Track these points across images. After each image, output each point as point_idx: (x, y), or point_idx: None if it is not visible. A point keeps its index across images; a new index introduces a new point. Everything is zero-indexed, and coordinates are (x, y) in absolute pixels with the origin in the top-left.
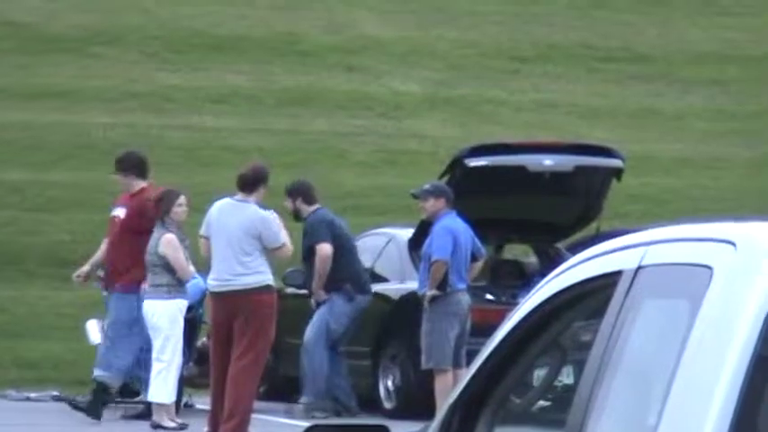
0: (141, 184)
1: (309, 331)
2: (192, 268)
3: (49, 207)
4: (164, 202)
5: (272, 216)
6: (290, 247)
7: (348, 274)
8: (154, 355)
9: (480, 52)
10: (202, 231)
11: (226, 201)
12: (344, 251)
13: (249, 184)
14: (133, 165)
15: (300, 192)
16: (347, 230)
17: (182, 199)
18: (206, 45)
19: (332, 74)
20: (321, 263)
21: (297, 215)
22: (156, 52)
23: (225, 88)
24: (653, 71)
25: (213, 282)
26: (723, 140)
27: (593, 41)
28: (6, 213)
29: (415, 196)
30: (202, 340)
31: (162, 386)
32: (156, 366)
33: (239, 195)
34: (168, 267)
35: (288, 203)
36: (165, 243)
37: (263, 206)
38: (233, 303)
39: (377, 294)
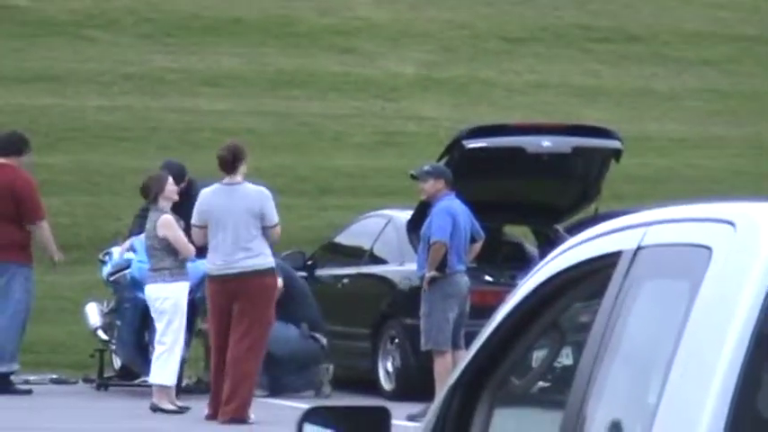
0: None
1: None
2: (192, 247)
3: (47, 190)
4: (154, 185)
5: (264, 192)
6: (278, 233)
7: None
8: (156, 337)
9: (473, 34)
10: (195, 221)
11: (216, 186)
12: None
13: (230, 163)
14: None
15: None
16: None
17: (171, 179)
18: (199, 28)
19: (326, 56)
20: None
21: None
22: (150, 34)
23: (219, 71)
24: (646, 51)
25: (215, 265)
26: (718, 120)
27: (586, 22)
28: None
29: (414, 177)
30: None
31: (163, 368)
32: (158, 349)
33: (226, 178)
34: (169, 249)
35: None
36: (164, 224)
37: (251, 182)
38: (235, 286)
39: (376, 276)
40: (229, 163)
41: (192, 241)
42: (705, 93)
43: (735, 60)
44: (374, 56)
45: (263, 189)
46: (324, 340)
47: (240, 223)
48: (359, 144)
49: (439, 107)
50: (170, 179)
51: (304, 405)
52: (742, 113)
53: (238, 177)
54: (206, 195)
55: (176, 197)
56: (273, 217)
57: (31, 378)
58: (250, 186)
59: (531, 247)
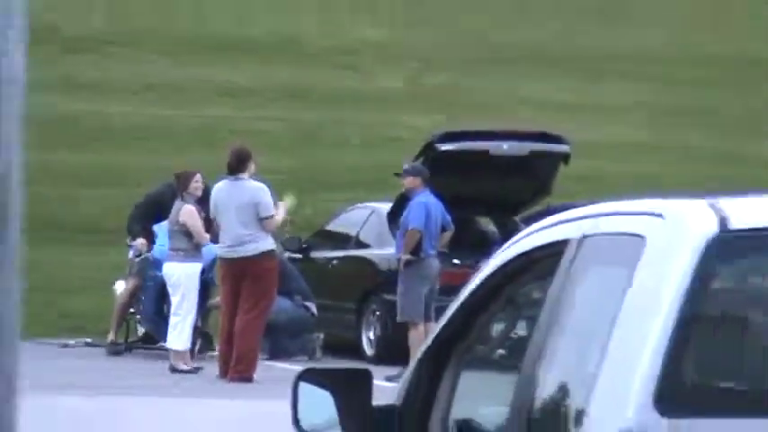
0: None
1: None
2: (206, 235)
3: (82, 184)
4: (181, 181)
5: (263, 188)
6: (277, 219)
7: None
8: (172, 309)
9: (455, 52)
10: (211, 214)
11: (223, 182)
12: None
13: (235, 165)
14: None
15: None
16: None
17: (197, 177)
18: (213, 46)
19: (325, 71)
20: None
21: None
22: (170, 51)
23: (230, 83)
24: (612, 69)
25: (223, 249)
26: (662, 129)
27: (552, 43)
28: (49, 188)
29: (398, 175)
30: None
31: (178, 336)
32: (173, 320)
33: (231, 176)
34: (186, 234)
35: None
36: (186, 213)
37: (258, 179)
38: (240, 267)
39: (361, 259)
40: (235, 165)
41: (208, 231)
42: (643, 106)
43: (676, 79)
44: (367, 72)
45: (261, 185)
46: (314, 309)
47: (241, 212)
48: (356, 146)
49: (424, 117)
50: (197, 176)
51: (298, 367)
52: (673, 125)
53: (245, 174)
54: (215, 189)
55: (200, 193)
56: (269, 209)
57: (71, 342)
58: (250, 182)
59: (493, 235)
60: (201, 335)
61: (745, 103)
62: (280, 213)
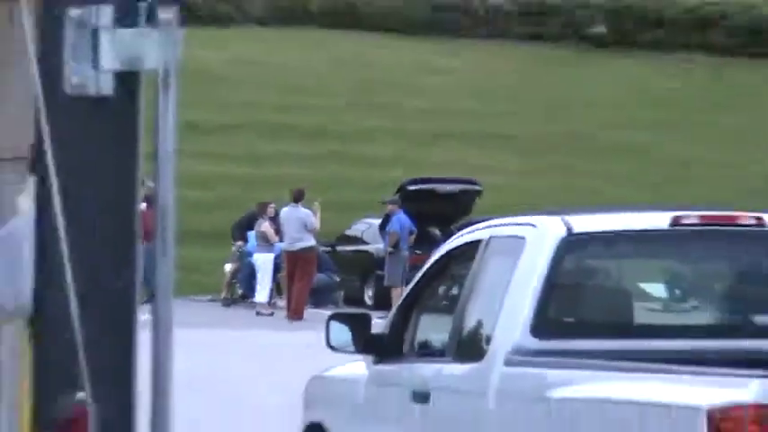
0: None
1: None
2: (276, 237)
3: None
4: (261, 208)
5: (310, 211)
6: (317, 227)
7: None
8: (257, 280)
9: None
10: (280, 225)
11: (289, 206)
12: None
13: (295, 198)
14: None
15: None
16: None
17: (271, 205)
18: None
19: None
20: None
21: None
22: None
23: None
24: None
25: (285, 245)
26: (538, 157)
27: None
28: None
29: (383, 203)
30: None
31: (260, 294)
32: (258, 286)
33: (293, 204)
34: (264, 238)
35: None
36: (263, 226)
37: (307, 207)
38: (295, 256)
39: (364, 251)
40: (295, 198)
41: (278, 234)
42: (528, 139)
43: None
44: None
45: (309, 211)
46: (337, 279)
47: (296, 225)
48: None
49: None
50: (271, 204)
51: (329, 312)
52: (557, 152)
53: (300, 204)
54: (283, 211)
55: (272, 213)
56: (312, 224)
57: (199, 298)
58: (302, 209)
59: (439, 237)
60: (276, 291)
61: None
62: (317, 223)
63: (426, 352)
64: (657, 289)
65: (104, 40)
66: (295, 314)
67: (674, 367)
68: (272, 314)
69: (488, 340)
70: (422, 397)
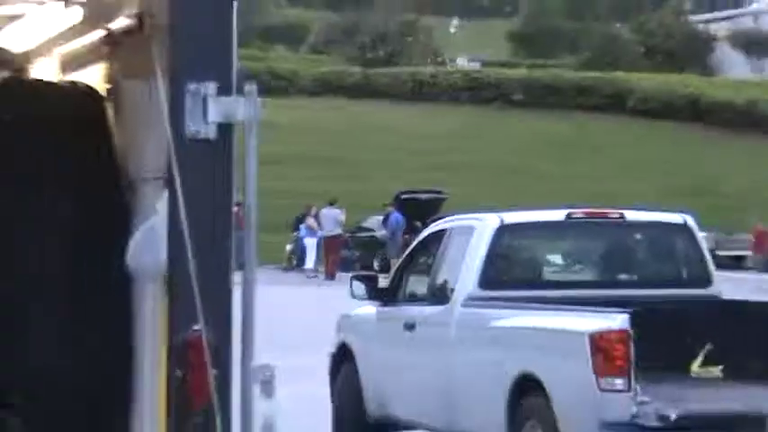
0: None
1: None
2: (318, 227)
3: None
4: (307, 208)
5: (339, 211)
6: (344, 221)
7: None
8: (307, 254)
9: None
10: (320, 219)
11: (326, 208)
12: None
13: (330, 203)
14: None
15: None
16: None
17: (314, 207)
18: None
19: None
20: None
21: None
22: None
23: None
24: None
25: (324, 233)
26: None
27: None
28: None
29: (384, 205)
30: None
31: (309, 264)
32: (307, 259)
33: (329, 206)
34: (310, 228)
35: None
36: (310, 221)
37: (338, 207)
38: (329, 240)
39: (375, 237)
40: (330, 203)
41: (319, 225)
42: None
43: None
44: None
45: (338, 211)
46: (356, 254)
47: (330, 220)
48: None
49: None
50: (314, 207)
51: (351, 274)
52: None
53: (335, 206)
54: (321, 211)
55: (314, 212)
56: (341, 219)
57: (270, 266)
58: (335, 210)
59: (419, 227)
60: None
61: None
62: (343, 218)
63: (413, 299)
64: (557, 258)
65: (210, 103)
66: (330, 276)
67: (569, 307)
68: (315, 276)
69: (451, 291)
70: (410, 327)
